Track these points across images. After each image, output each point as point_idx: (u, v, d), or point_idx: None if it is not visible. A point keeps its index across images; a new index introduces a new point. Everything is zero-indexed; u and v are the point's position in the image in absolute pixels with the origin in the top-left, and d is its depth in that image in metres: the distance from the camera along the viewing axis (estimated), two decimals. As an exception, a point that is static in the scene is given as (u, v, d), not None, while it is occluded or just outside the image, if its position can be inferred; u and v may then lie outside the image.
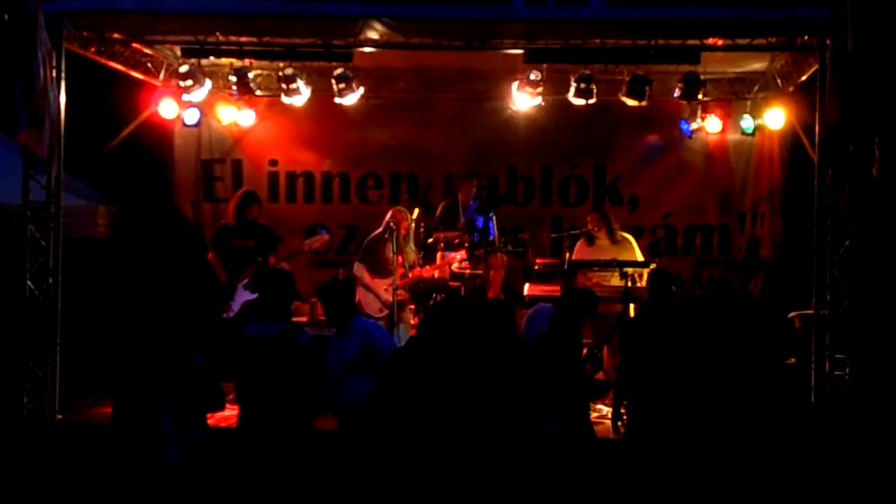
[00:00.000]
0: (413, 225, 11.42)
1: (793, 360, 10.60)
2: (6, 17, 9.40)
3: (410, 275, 11.20)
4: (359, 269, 11.30)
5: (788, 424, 8.90)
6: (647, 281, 8.92)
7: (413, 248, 11.39)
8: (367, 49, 10.94)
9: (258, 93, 12.52)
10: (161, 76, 12.65)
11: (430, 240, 12.03)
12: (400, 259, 11.09)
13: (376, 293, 11.09)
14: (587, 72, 11.63)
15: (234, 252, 11.16)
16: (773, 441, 8.30)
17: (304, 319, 11.83)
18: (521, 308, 10.65)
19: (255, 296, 9.59)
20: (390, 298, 10.87)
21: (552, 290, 11.14)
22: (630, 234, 12.23)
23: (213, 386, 6.77)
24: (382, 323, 10.89)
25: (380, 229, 11.20)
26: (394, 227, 10.97)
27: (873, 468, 8.01)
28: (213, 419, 7.13)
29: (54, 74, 9.89)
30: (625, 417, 8.28)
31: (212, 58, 11.76)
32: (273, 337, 6.62)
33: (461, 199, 12.63)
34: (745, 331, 8.29)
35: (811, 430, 9.10)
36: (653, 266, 10.66)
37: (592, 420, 9.95)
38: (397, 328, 11.02)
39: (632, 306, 10.78)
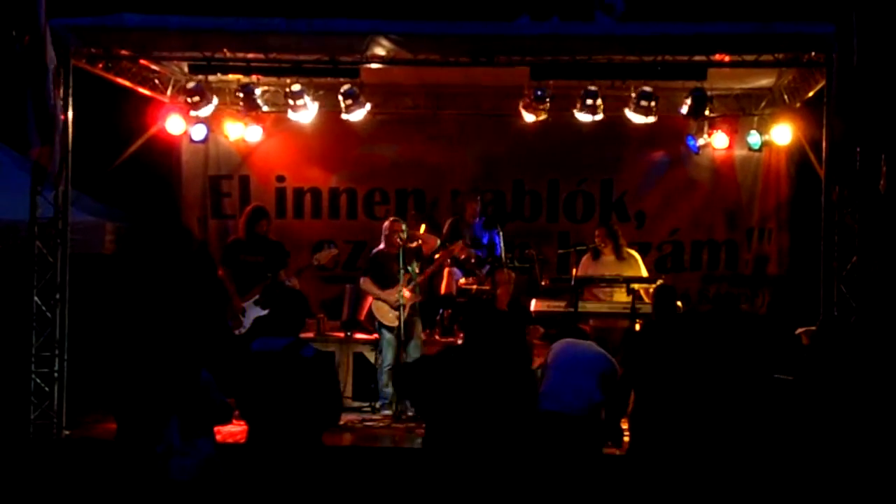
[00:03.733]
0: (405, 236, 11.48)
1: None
2: (14, 32, 9.40)
3: (419, 280, 11.32)
4: (365, 283, 11.37)
5: (791, 439, 8.86)
6: (652, 297, 8.92)
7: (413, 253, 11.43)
8: (373, 65, 10.97)
9: (265, 109, 12.56)
10: (168, 92, 12.68)
11: (436, 255, 12.05)
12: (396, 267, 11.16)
13: (389, 303, 11.12)
14: (593, 88, 11.63)
15: (244, 267, 11.19)
16: (776, 456, 8.28)
17: (311, 335, 11.85)
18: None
19: (265, 312, 9.61)
20: (404, 298, 11.05)
21: (559, 305, 11.15)
22: (637, 250, 12.26)
23: (220, 400, 6.77)
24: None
25: (382, 245, 11.28)
26: (400, 241, 11.06)
27: (878, 480, 7.98)
28: (220, 434, 7.12)
29: (61, 91, 9.91)
30: (625, 432, 8.27)
31: (219, 74, 11.81)
32: (276, 351, 6.62)
33: (467, 217, 12.69)
34: (748, 346, 8.29)
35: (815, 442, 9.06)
36: (659, 282, 10.66)
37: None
38: (408, 344, 11.08)
39: (637, 322, 10.78)
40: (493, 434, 6.14)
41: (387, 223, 11.46)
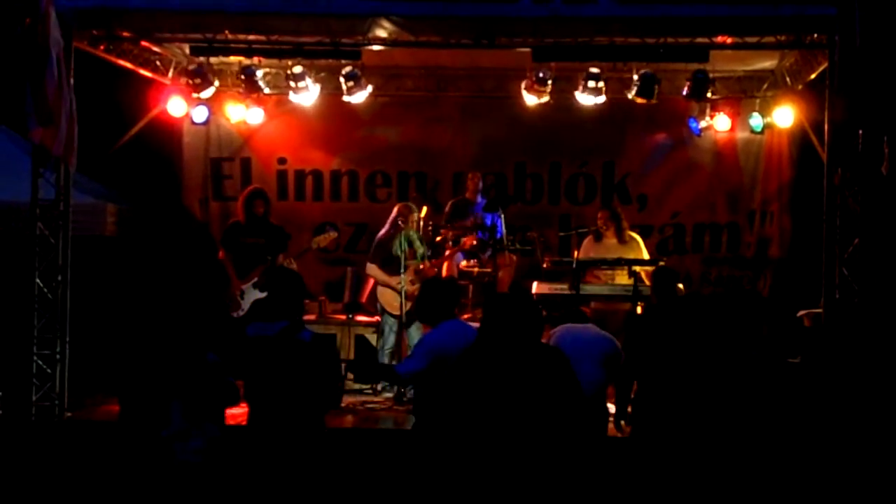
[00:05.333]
0: (420, 221, 11.41)
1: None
2: (17, 15, 9.38)
3: (422, 266, 11.22)
4: (371, 269, 11.34)
5: (795, 424, 8.88)
6: (652, 279, 8.92)
7: (418, 238, 11.37)
8: (375, 47, 10.95)
9: (266, 91, 12.53)
10: (170, 74, 12.67)
11: (437, 238, 12.06)
12: (410, 253, 11.13)
13: (394, 289, 11.10)
14: (595, 70, 11.61)
15: (244, 250, 11.20)
16: (780, 441, 8.28)
17: (312, 317, 11.87)
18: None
19: (264, 294, 9.61)
20: (408, 289, 10.98)
21: (561, 288, 11.15)
22: (638, 232, 12.24)
23: (226, 382, 6.78)
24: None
25: (387, 227, 11.23)
26: (402, 224, 11.03)
27: (877, 470, 8.00)
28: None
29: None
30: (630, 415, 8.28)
31: (220, 56, 11.78)
32: (273, 335, 6.62)
33: (468, 196, 12.70)
34: (752, 329, 8.27)
35: (818, 428, 9.08)
36: (661, 264, 10.66)
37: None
38: (409, 327, 11.07)
39: (639, 305, 10.79)
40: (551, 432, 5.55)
41: (398, 208, 11.39)
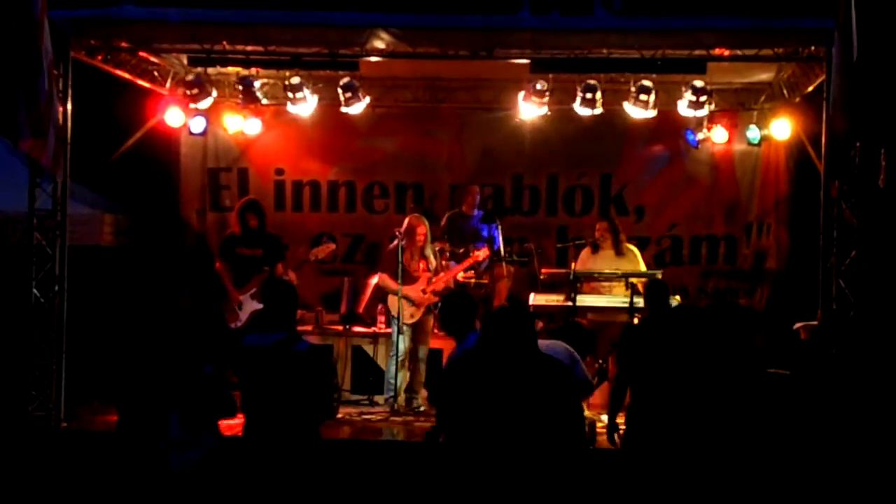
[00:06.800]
0: (428, 233, 11.37)
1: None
2: (12, 24, 9.37)
3: (436, 279, 11.22)
4: (382, 279, 11.28)
5: (789, 436, 8.87)
6: (645, 292, 8.93)
7: (433, 252, 11.43)
8: (373, 58, 10.96)
9: (264, 101, 12.53)
10: (167, 85, 12.67)
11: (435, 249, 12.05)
12: (423, 265, 11.16)
13: (409, 298, 11.08)
14: (593, 82, 11.62)
15: (240, 261, 11.18)
16: (773, 453, 8.28)
17: (309, 328, 11.85)
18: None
19: (262, 306, 9.61)
20: (422, 299, 11.07)
21: (557, 299, 11.15)
22: (635, 244, 12.23)
23: (224, 393, 6.77)
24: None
25: (401, 238, 11.17)
26: (420, 238, 11.03)
27: (876, 479, 7.99)
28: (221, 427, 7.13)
29: (60, 83, 9.90)
30: (622, 428, 8.27)
31: (218, 66, 11.78)
32: (270, 346, 6.62)
33: (465, 209, 12.68)
34: (742, 341, 8.27)
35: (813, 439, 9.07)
36: (657, 276, 10.66)
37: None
38: (418, 344, 11.08)
39: (636, 317, 10.79)
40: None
41: (409, 220, 11.35)
